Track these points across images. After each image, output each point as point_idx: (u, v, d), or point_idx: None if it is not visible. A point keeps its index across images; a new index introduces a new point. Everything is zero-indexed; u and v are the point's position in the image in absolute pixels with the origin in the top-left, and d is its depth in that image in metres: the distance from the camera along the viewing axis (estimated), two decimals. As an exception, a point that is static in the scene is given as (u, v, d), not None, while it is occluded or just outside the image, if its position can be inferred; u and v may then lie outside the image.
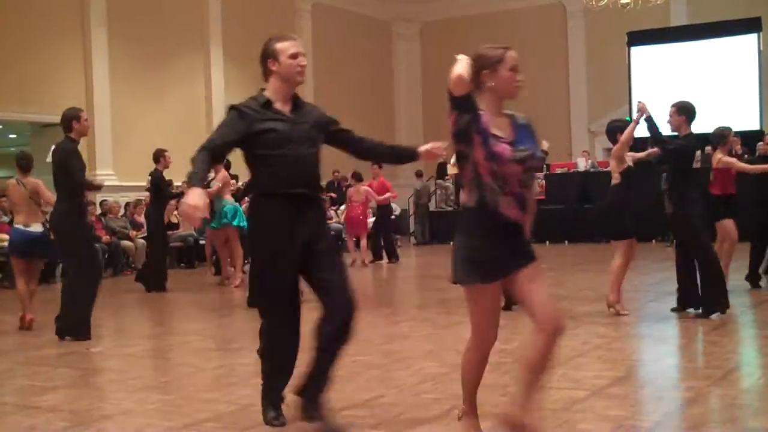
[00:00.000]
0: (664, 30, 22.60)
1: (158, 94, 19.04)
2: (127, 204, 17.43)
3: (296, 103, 4.62)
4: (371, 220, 17.51)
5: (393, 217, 17.92)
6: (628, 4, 20.24)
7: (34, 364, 7.06)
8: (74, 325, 8.19)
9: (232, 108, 4.56)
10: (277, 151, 4.45)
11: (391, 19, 26.95)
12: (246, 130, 4.45)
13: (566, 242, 19.20)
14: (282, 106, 4.56)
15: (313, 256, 4.51)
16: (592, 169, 20.96)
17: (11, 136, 23.23)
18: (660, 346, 7.16)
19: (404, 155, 5.11)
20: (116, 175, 17.69)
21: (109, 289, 13.77)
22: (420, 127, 27.14)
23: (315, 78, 23.61)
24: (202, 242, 16.17)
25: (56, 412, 5.27)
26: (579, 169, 21.06)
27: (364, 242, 16.13)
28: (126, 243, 16.27)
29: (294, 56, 4.53)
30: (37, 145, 18.52)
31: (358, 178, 16.06)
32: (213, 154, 4.47)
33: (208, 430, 4.72)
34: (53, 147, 8.48)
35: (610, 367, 6.06)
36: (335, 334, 4.46)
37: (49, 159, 8.52)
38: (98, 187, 10.02)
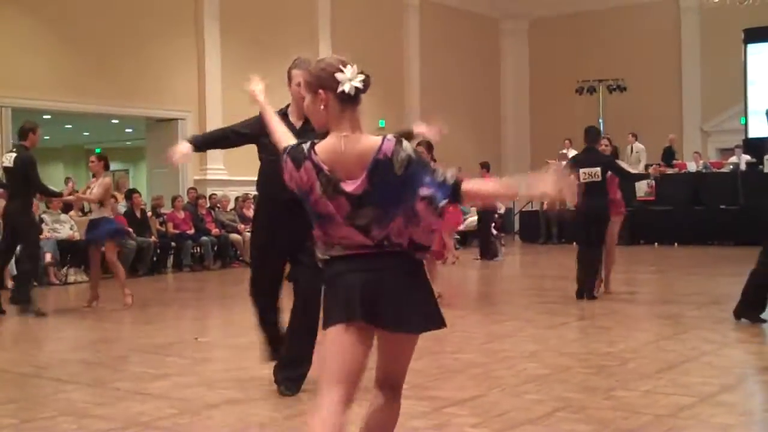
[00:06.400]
0: (784, 27, 21.82)
1: (268, 89, 19.30)
2: (237, 198, 17.81)
3: (307, 120, 4.91)
4: (473, 218, 17.76)
5: (496, 215, 17.86)
6: (745, -1, 19.63)
7: (145, 352, 7.28)
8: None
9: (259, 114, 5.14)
10: (275, 158, 4.53)
11: (499, 15, 26.74)
12: (258, 132, 5.00)
13: (676, 244, 18.74)
14: (296, 120, 5.11)
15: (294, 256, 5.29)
16: (704, 170, 20.39)
17: (128, 130, 23.99)
18: (772, 354, 6.94)
19: None
20: (226, 170, 18.08)
21: (217, 280, 14.13)
22: (527, 124, 26.86)
23: (421, 74, 23.63)
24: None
25: (165, 399, 5.43)
26: (690, 170, 20.50)
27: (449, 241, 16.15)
28: (234, 236, 16.62)
29: (299, 85, 5.03)
30: (151, 139, 19.13)
31: None
32: (223, 132, 5.51)
33: (310, 423, 4.79)
34: (14, 155, 9.60)
35: (718, 373, 5.90)
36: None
37: (9, 164, 9.52)
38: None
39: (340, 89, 3.08)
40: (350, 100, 3.10)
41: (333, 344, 3.11)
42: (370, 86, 3.16)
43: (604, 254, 10.03)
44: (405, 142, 3.11)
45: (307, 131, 4.64)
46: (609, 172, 9.90)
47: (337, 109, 3.10)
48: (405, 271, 3.12)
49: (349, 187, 3.05)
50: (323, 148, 3.10)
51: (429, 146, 9.86)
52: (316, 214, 3.12)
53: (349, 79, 3.08)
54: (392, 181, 3.04)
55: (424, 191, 3.03)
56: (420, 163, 3.10)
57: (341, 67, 3.10)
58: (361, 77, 3.10)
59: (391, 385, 3.30)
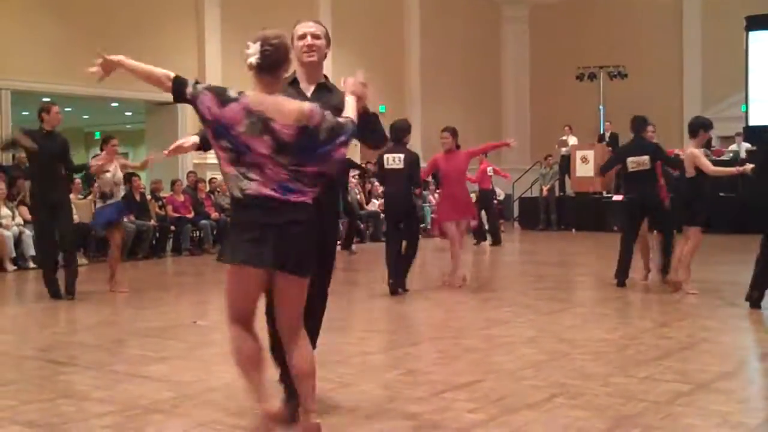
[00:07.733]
0: (786, 14, 21.74)
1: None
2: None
3: (321, 86, 4.57)
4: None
5: (496, 201, 17.89)
6: (748, -14, 19.56)
7: (144, 336, 7.29)
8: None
9: None
10: None
11: (500, 1, 26.67)
12: None
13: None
14: (306, 86, 4.57)
15: None
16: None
17: (127, 113, 23.96)
18: (770, 342, 6.95)
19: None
20: (226, 154, 18.05)
21: (216, 264, 14.13)
22: (527, 110, 26.83)
23: (421, 60, 23.58)
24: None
25: (164, 382, 5.44)
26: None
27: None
28: (234, 220, 16.63)
29: (301, 37, 4.52)
30: (151, 123, 19.13)
31: None
32: None
33: (309, 407, 4.79)
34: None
35: (717, 361, 5.91)
36: None
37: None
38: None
39: (247, 62, 3.79)
40: (260, 70, 3.77)
41: (228, 284, 3.84)
42: (279, 62, 3.77)
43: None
44: (328, 113, 3.74)
45: (320, 98, 4.31)
46: (657, 160, 10.01)
47: (254, 74, 3.79)
48: (299, 221, 3.68)
49: (279, 129, 3.64)
50: (253, 97, 3.73)
51: (454, 132, 10.01)
52: (233, 147, 3.67)
53: (250, 54, 3.79)
54: (314, 144, 3.69)
55: (342, 140, 3.74)
56: (339, 125, 3.75)
57: (249, 43, 3.80)
58: (257, 56, 3.76)
59: (290, 329, 3.84)
